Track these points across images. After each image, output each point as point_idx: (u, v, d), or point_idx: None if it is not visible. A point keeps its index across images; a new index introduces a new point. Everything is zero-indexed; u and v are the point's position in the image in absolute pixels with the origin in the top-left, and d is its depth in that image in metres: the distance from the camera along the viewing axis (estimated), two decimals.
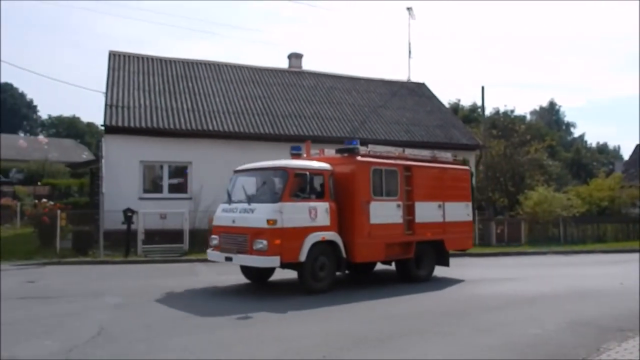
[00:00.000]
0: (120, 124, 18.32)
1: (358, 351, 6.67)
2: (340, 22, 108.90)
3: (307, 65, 26.68)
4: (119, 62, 21.66)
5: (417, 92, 26.15)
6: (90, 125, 69.45)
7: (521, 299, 10.55)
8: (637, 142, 51.39)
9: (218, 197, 18.12)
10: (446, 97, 68.47)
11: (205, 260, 14.69)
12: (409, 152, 12.78)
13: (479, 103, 31.30)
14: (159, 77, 21.59)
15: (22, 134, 67.12)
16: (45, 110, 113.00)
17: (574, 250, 21.02)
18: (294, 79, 24.27)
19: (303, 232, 10.11)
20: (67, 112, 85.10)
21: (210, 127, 19.39)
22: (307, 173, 10.46)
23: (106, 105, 18.96)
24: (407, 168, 12.10)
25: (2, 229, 21.50)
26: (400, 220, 11.70)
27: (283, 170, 10.44)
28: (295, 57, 25.97)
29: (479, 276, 13.88)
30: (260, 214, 9.87)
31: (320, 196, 10.67)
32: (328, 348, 6.71)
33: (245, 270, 11.43)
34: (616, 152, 76.35)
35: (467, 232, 13.60)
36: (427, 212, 12.28)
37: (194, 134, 19.10)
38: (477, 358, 6.55)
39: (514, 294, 11.09)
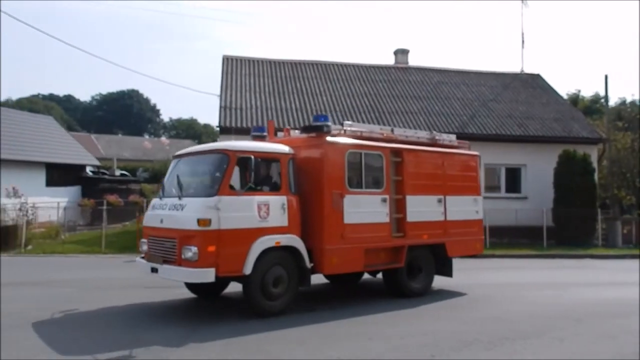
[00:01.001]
0: (233, 124, 19.19)
1: (469, 353, 6.45)
2: (448, 14, 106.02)
3: (414, 60, 26.29)
4: (231, 66, 22.72)
5: (532, 84, 24.78)
6: (206, 126, 73.58)
7: None
8: None
9: None
10: (564, 89, 64.31)
11: None
12: (399, 132, 10.22)
13: (602, 93, 28.98)
14: (269, 79, 22.34)
15: (147, 136, 72.64)
16: (167, 113, 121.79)
17: None
18: (400, 75, 24.03)
19: (249, 235, 7.73)
20: (186, 115, 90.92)
21: None
22: (255, 157, 7.90)
23: (220, 107, 19.97)
24: (397, 152, 9.58)
25: (129, 224, 23.40)
26: (386, 219, 9.22)
27: (222, 154, 8.05)
28: (401, 53, 25.71)
29: (602, 280, 12.90)
30: (190, 212, 7.59)
31: (275, 188, 8.27)
32: (437, 348, 6.56)
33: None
34: None
35: (475, 233, 11.05)
36: (422, 208, 9.83)
37: None
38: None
39: None
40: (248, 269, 7.66)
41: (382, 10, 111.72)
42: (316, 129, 8.86)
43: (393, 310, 8.78)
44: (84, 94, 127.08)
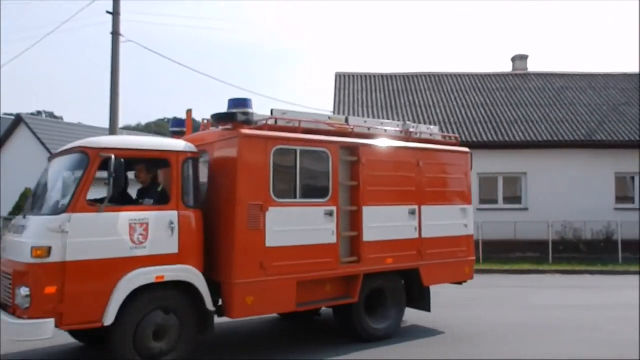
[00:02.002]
0: None
1: None
2: (568, 15, 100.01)
3: (533, 66, 25.16)
4: (344, 82, 23.18)
5: None
6: None
7: None
8: None
9: None
10: None
11: None
12: (356, 122, 7.93)
13: None
14: (381, 93, 22.49)
15: None
16: None
17: None
18: (518, 82, 23.09)
19: (114, 268, 5.61)
20: None
21: None
22: (128, 157, 5.93)
23: None
24: (351, 149, 7.42)
25: None
26: (332, 239, 6.99)
27: (80, 153, 5.95)
28: (519, 59, 24.73)
29: None
30: (26, 237, 5.52)
31: (162, 200, 6.17)
32: None
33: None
34: None
35: (463, 254, 8.61)
36: (387, 222, 7.60)
37: None
38: None
39: None
40: (109, 318, 5.48)
41: (498, 16, 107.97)
42: (229, 118, 6.58)
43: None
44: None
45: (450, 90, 22.64)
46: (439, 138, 8.94)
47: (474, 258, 8.94)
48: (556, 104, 21.19)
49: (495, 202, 19.62)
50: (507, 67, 25.56)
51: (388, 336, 7.67)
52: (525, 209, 19.15)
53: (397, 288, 7.92)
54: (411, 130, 8.45)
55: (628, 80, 22.92)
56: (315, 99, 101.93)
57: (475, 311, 10.05)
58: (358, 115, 20.75)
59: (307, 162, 6.98)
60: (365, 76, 23.88)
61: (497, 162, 19.31)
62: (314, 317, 8.66)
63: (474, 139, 19.36)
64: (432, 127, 9.28)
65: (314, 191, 7.03)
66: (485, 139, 19.39)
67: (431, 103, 21.75)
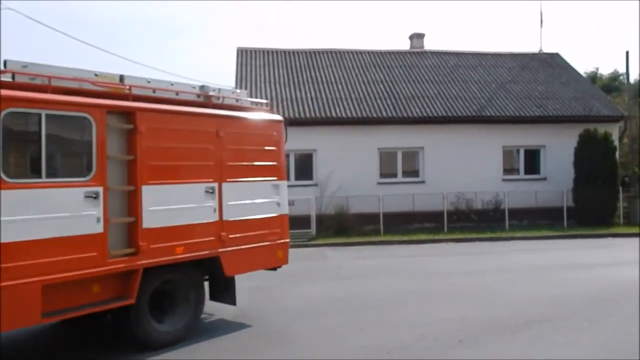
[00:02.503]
0: None
1: (496, 336, 6.52)
2: None
3: (430, 44, 26.06)
4: (246, 58, 22.76)
5: (550, 63, 24.43)
6: None
7: None
8: None
9: (344, 183, 18.66)
10: (583, 67, 63.23)
11: (332, 245, 15.20)
12: (133, 81, 6.48)
13: (620, 70, 28.47)
14: (284, 69, 22.36)
15: None
16: None
17: None
18: (415, 59, 23.87)
19: None
20: None
21: (334, 114, 19.72)
22: None
23: None
24: (126, 115, 6.16)
25: None
26: (98, 228, 5.71)
27: None
28: (417, 38, 25.53)
29: (627, 258, 12.80)
30: None
31: None
32: (465, 333, 6.63)
33: None
34: None
35: (276, 236, 7.70)
36: (175, 204, 6.46)
37: (318, 122, 19.55)
38: (632, 349, 6.10)
39: None
40: None
41: None
42: None
43: (429, 293, 8.79)
44: None
45: (351, 67, 22.96)
46: (247, 104, 7.90)
47: (288, 240, 7.96)
48: (450, 81, 22.18)
49: (395, 175, 20.32)
50: (405, 45, 26.34)
51: (179, 339, 6.46)
52: (423, 182, 20.02)
53: (191, 282, 6.74)
54: (211, 94, 7.26)
55: (514, 60, 24.44)
56: (216, 75, 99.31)
57: (376, 280, 10.42)
58: (260, 92, 20.52)
59: (59, 131, 5.61)
60: (268, 51, 23.60)
61: (396, 137, 19.96)
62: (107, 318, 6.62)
63: (375, 115, 19.85)
64: (239, 90, 8.21)
65: (70, 168, 5.74)
66: (384, 114, 19.93)
67: (333, 79, 21.95)
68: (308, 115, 19.65)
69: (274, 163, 7.77)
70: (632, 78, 48.41)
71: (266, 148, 7.68)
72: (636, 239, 16.93)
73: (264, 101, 8.52)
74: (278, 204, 7.75)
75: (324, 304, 8.40)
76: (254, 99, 8.44)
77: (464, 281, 10.13)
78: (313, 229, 17.50)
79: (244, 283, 9.71)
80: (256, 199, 7.41)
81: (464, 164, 19.87)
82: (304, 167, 19.94)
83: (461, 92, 21.42)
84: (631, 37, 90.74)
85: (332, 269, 12.00)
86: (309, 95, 20.73)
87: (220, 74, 77.05)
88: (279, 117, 8.22)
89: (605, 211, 19.24)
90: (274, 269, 7.92)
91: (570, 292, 8.97)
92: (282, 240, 7.80)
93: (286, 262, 7.91)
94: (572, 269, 11.32)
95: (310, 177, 19.70)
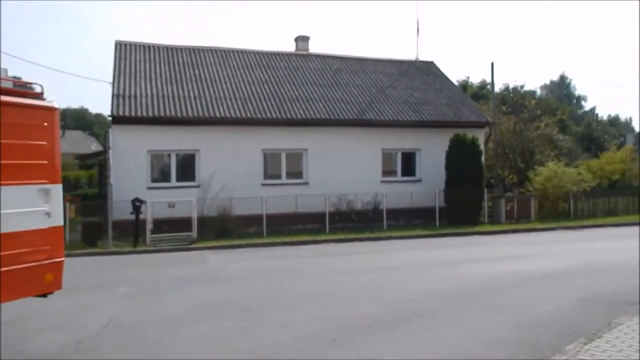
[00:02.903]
0: (127, 113, 18.37)
1: (369, 334, 6.74)
2: (348, 2, 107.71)
3: (315, 47, 26.53)
4: (125, 52, 21.67)
5: (426, 71, 25.91)
6: (98, 116, 69.79)
7: (533, 276, 10.57)
8: None
9: (227, 184, 18.41)
10: (455, 75, 67.88)
11: (214, 248, 14.92)
12: None
13: (489, 79, 30.89)
14: (165, 65, 21.58)
15: None
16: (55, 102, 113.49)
17: (585, 224, 20.96)
18: (300, 62, 24.16)
19: None
20: (75, 104, 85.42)
21: (218, 114, 19.39)
22: None
23: (113, 95, 19.01)
24: None
25: None
26: None
27: None
28: (302, 40, 25.82)
29: (490, 255, 13.91)
30: None
31: None
32: (338, 332, 6.79)
33: None
34: (628, 125, 75.32)
35: (43, 255, 6.19)
36: None
37: (201, 122, 19.13)
38: (489, 338, 6.60)
39: (526, 271, 11.10)
40: None
41: None
42: None
43: (304, 294, 8.90)
44: None
45: (236, 66, 22.71)
46: (9, 86, 6.36)
47: (63, 259, 6.47)
48: (333, 85, 22.72)
49: (279, 177, 20.42)
50: (290, 47, 26.56)
51: None
52: (306, 183, 20.31)
53: None
54: None
55: (393, 66, 25.59)
56: (94, 68, 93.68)
57: (257, 282, 10.36)
58: (140, 88, 19.66)
59: None
60: (148, 47, 22.64)
61: (281, 139, 20.08)
62: None
63: (259, 115, 19.79)
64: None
65: None
66: (269, 115, 19.95)
67: (217, 78, 21.57)
68: (191, 114, 19.14)
69: (44, 162, 6.26)
70: (498, 87, 52.87)
71: (31, 142, 6.11)
72: (500, 236, 18.51)
73: (37, 83, 6.65)
74: (48, 214, 6.22)
75: (201, 310, 8.20)
76: (18, 79, 6.84)
77: (341, 281, 10.40)
78: (194, 232, 17.05)
79: (114, 291, 9.25)
80: (12, 209, 5.75)
81: (346, 166, 20.46)
82: (186, 167, 19.39)
83: (343, 96, 22.02)
84: (497, 50, 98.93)
85: (212, 273, 11.77)
86: (191, 94, 20.19)
87: (101, 67, 72.66)
88: (52, 105, 6.51)
89: (472, 211, 20.75)
90: (44, 295, 6.37)
91: (438, 288, 9.54)
92: (52, 260, 6.25)
93: (59, 286, 6.38)
94: (441, 266, 12.06)
95: (192, 178, 19.19)
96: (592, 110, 78.11)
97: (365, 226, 19.54)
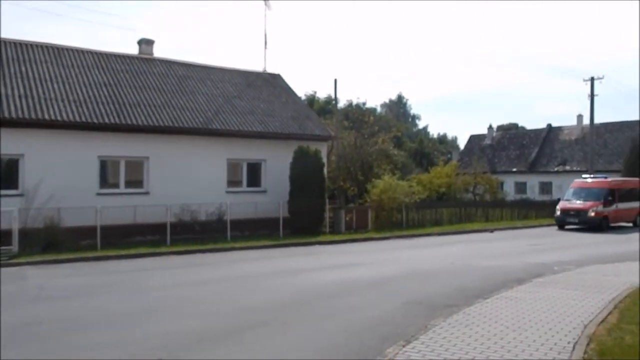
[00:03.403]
0: None
1: (200, 349, 6.57)
2: (194, 6, 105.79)
3: (159, 52, 25.55)
4: None
5: (272, 83, 26.29)
6: None
7: (364, 283, 11.17)
8: (471, 133, 56.83)
9: (56, 193, 16.90)
10: (303, 89, 69.93)
11: (38, 263, 13.69)
12: None
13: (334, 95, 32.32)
14: None
15: None
16: None
17: (415, 234, 22.79)
18: (143, 66, 23.08)
19: None
20: None
21: (47, 116, 17.72)
22: None
23: None
24: None
25: None
26: None
27: None
28: (145, 44, 24.67)
29: (327, 263, 14.44)
30: None
31: None
32: (168, 348, 6.53)
33: None
34: (454, 142, 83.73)
35: None
36: None
37: (27, 124, 17.34)
38: (319, 345, 6.80)
39: (358, 278, 11.71)
40: None
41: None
42: None
43: (133, 309, 8.39)
44: None
45: (71, 66, 21.01)
46: None
47: None
48: (178, 91, 22.05)
49: (117, 186, 19.26)
50: (133, 50, 25.30)
51: None
52: (147, 193, 19.39)
53: None
54: None
55: (240, 76, 25.58)
56: None
57: (83, 300, 9.58)
58: None
59: None
60: None
61: (119, 146, 18.96)
62: None
63: (96, 120, 18.50)
64: None
65: None
66: (107, 120, 18.74)
67: (48, 77, 19.74)
68: (14, 115, 17.26)
69: None
70: (342, 103, 55.61)
71: None
72: (339, 245, 19.32)
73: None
74: None
75: (12, 334, 7.34)
76: None
77: (175, 294, 10.05)
78: (15, 246, 15.34)
79: None
80: None
81: (190, 176, 19.95)
82: (8, 174, 17.41)
83: (189, 104, 21.47)
84: (341, 68, 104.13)
85: (30, 291, 10.66)
86: (16, 92, 18.25)
87: None
88: None
89: (314, 221, 21.44)
90: None
91: (274, 298, 9.66)
92: None
93: None
94: (280, 276, 12.24)
95: (14, 186, 17.29)
96: (425, 128, 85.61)
97: (209, 237, 19.16)
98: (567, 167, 45.76)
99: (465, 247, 18.42)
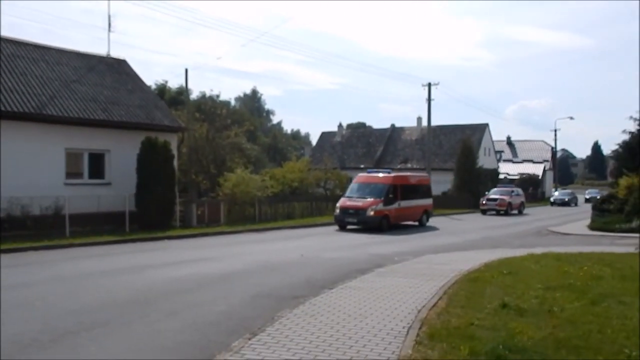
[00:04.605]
0: None
1: (25, 355, 5.92)
2: None
3: None
4: None
5: (117, 69, 24.62)
6: None
7: (214, 277, 10.97)
8: (322, 130, 58.77)
9: None
10: (152, 78, 66.85)
11: None
12: None
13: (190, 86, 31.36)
14: None
15: None
16: None
17: (267, 227, 22.96)
18: None
19: None
20: None
21: None
22: None
23: None
24: None
25: None
26: None
27: None
28: None
29: (176, 259, 13.94)
30: None
31: None
32: None
33: None
34: (307, 139, 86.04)
35: None
36: None
37: None
38: (162, 343, 6.50)
39: (208, 273, 11.46)
40: None
41: None
42: None
43: None
44: None
45: None
46: None
47: None
48: (6, 72, 19.70)
49: None
50: None
51: None
52: None
53: None
54: None
55: (80, 59, 23.54)
56: None
57: None
58: None
59: None
60: None
61: None
62: None
63: None
64: None
65: None
66: None
67: None
68: None
69: None
70: (195, 95, 54.26)
71: None
72: (190, 240, 18.76)
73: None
74: None
75: None
76: None
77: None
78: None
79: None
80: None
81: (20, 166, 18.01)
82: None
83: (19, 86, 19.32)
84: (191, 59, 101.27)
85: None
86: None
87: None
88: None
89: (164, 215, 20.60)
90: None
91: (116, 297, 9.07)
92: None
93: None
94: (124, 273, 11.54)
95: None
96: (279, 124, 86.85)
97: (45, 233, 17.44)
98: (409, 165, 49.46)
99: (316, 240, 18.97)
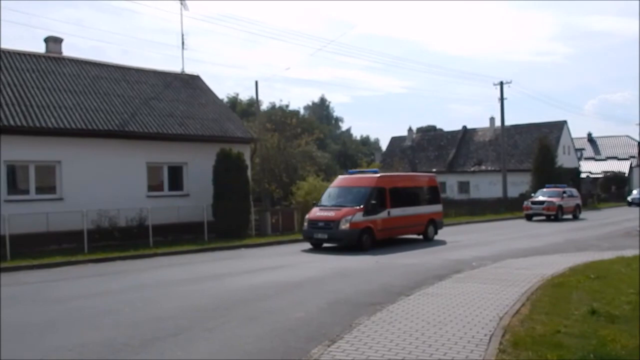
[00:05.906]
0: None
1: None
2: (104, 5, 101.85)
3: (68, 51, 24.23)
4: None
5: (192, 85, 25.65)
6: None
7: (290, 284, 11.12)
8: (392, 135, 58.37)
9: None
10: (224, 91, 68.97)
11: None
12: None
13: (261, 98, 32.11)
14: None
15: None
16: None
17: None
18: (52, 65, 21.80)
19: None
20: None
21: None
22: None
23: None
24: None
25: None
26: None
27: None
28: (53, 42, 23.31)
29: (253, 266, 14.26)
30: None
31: None
32: None
33: None
34: (376, 144, 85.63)
35: None
36: None
37: None
38: (244, 349, 6.66)
39: (284, 280, 11.64)
40: None
41: None
42: None
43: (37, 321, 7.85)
44: None
45: None
46: None
47: None
48: (91, 92, 21.01)
49: (27, 192, 18.10)
50: (40, 49, 23.88)
51: None
52: (61, 199, 18.36)
53: None
54: None
55: (157, 77, 24.74)
56: None
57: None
58: None
59: None
60: None
61: (28, 150, 17.83)
62: None
63: (1, 123, 17.28)
64: None
65: None
66: (13, 123, 17.55)
67: None
68: None
69: None
70: (265, 106, 55.45)
71: None
72: (265, 248, 19.14)
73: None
74: None
75: None
76: None
77: (90, 304, 9.53)
78: None
79: None
80: None
81: (107, 180, 19.09)
82: None
83: (103, 105, 20.53)
84: (260, 70, 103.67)
85: None
86: None
87: None
88: None
89: (239, 224, 21.13)
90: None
91: (197, 304, 9.38)
92: None
93: None
94: (204, 281, 11.94)
95: None
96: (348, 130, 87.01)
97: (130, 243, 18.40)
98: (483, 167, 48.07)
99: (392, 245, 18.81)
